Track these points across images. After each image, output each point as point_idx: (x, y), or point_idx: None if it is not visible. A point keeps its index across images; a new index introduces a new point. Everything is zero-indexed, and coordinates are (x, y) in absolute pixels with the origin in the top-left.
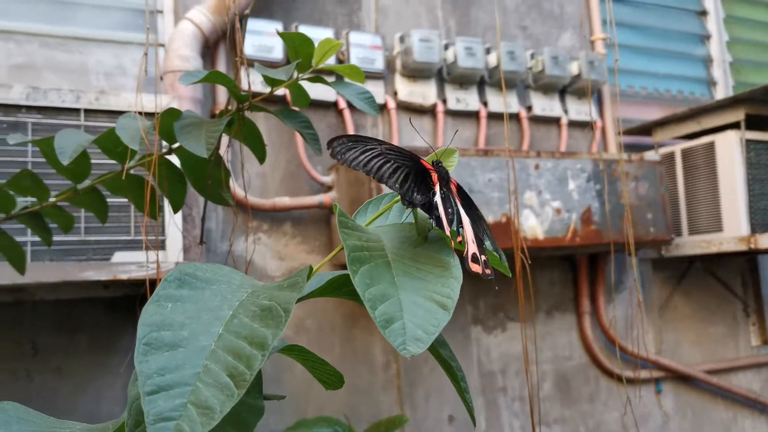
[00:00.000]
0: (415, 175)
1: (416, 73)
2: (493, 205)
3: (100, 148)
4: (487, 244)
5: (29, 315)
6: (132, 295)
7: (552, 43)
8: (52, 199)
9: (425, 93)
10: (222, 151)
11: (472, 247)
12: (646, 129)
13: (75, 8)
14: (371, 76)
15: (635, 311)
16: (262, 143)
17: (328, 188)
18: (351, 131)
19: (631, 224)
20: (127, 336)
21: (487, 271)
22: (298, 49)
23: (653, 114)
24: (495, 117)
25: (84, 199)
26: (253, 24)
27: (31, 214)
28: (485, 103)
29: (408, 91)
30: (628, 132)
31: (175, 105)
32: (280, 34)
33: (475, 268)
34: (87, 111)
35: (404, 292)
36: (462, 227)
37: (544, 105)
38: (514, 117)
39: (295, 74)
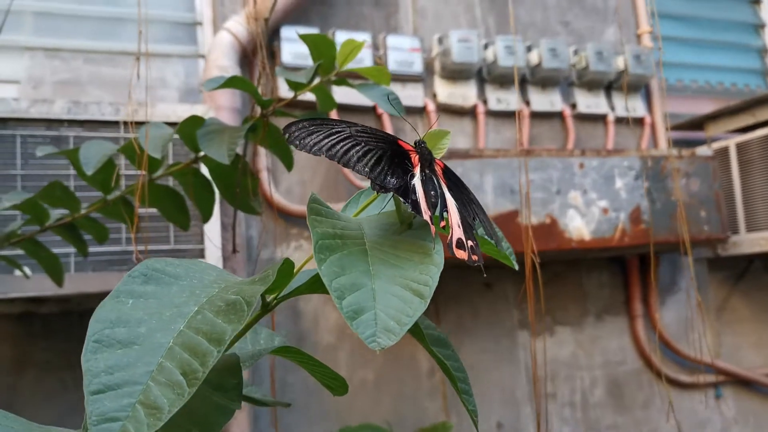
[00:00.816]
0: (391, 158)
1: (455, 74)
2: (536, 205)
3: (127, 158)
4: (481, 231)
5: (76, 325)
6: None
7: (596, 39)
8: (83, 212)
9: (465, 94)
10: (258, 158)
11: (457, 232)
12: (698, 123)
13: (120, 24)
14: (410, 78)
15: (693, 313)
16: (288, 150)
17: None
18: None
19: (684, 222)
20: None
21: (474, 258)
22: (320, 51)
23: (705, 108)
24: (538, 116)
25: (114, 210)
26: (290, 32)
27: (65, 226)
28: (527, 102)
29: (448, 92)
30: (678, 127)
31: (212, 114)
32: (301, 37)
33: (460, 254)
34: (126, 123)
35: (379, 281)
36: (446, 211)
37: (589, 102)
38: (558, 115)
39: (318, 77)
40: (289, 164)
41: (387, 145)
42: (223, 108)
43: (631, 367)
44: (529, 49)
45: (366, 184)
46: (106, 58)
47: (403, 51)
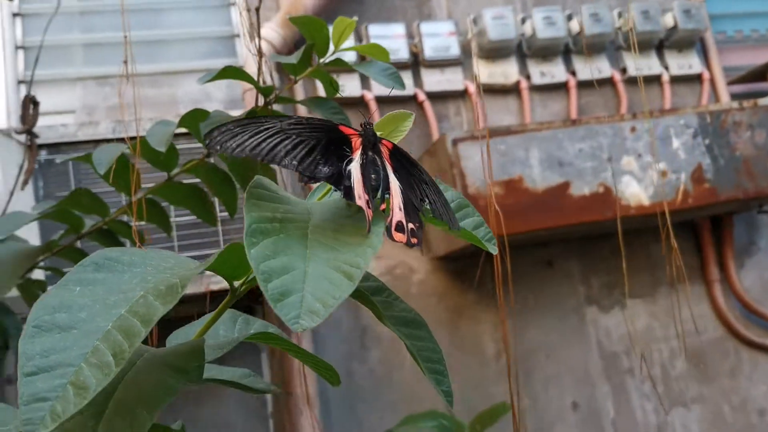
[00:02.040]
0: (325, 147)
1: (494, 52)
2: (586, 175)
3: (144, 158)
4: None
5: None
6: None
7: None
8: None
9: (506, 72)
10: None
11: (397, 215)
12: (760, 73)
13: (163, 46)
14: (448, 63)
15: None
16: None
17: None
18: (433, 123)
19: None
20: (238, 347)
21: (413, 240)
22: (311, 33)
23: None
24: (586, 85)
25: (141, 212)
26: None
27: (100, 231)
28: (573, 73)
29: (488, 72)
30: (740, 80)
31: None
32: (290, 20)
33: (398, 236)
34: None
35: (313, 264)
36: (389, 193)
37: (640, 64)
38: (608, 81)
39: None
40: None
41: (323, 134)
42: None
43: (713, 335)
44: (569, 17)
45: None
46: (150, 80)
47: (438, 36)
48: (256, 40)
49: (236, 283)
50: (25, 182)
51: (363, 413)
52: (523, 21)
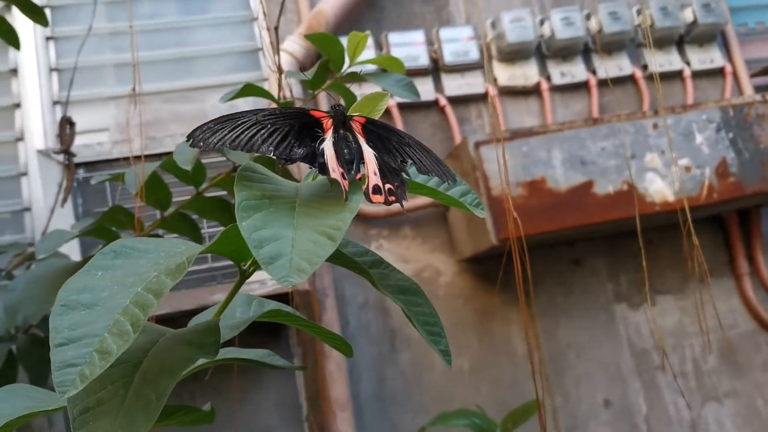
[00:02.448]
0: (298, 131)
1: (513, 55)
2: (610, 173)
3: (173, 175)
4: (414, 171)
5: None
6: None
7: None
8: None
9: (526, 73)
10: None
11: (372, 179)
12: None
13: (191, 62)
14: (468, 67)
15: None
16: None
17: None
18: (454, 126)
19: None
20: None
21: (391, 198)
22: (326, 48)
23: None
24: (607, 84)
25: (173, 225)
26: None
27: None
28: (593, 72)
29: (508, 75)
30: (763, 72)
31: None
32: (306, 37)
33: (376, 198)
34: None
35: (300, 231)
36: (363, 163)
37: (661, 61)
38: (629, 79)
39: (332, 74)
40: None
41: (295, 120)
42: None
43: (744, 329)
44: (588, 17)
45: None
46: (180, 96)
47: (458, 42)
48: (276, 57)
49: (244, 265)
50: (64, 200)
51: (395, 415)
52: (542, 22)
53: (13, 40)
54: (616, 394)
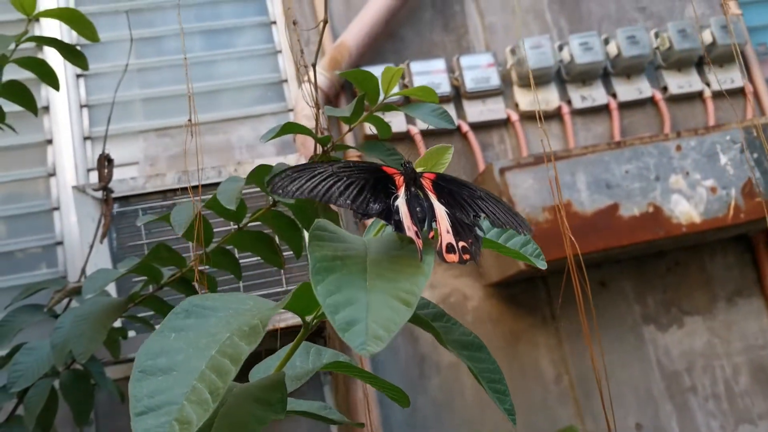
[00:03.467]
0: (374, 186)
1: (534, 80)
2: (635, 196)
3: (216, 213)
4: (487, 224)
5: None
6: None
7: (676, 17)
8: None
9: (547, 98)
10: None
11: (445, 238)
12: None
13: (217, 95)
14: (489, 94)
15: None
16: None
17: None
18: (477, 152)
19: None
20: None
21: (465, 257)
22: (362, 84)
23: None
24: (627, 106)
25: (215, 260)
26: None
27: (178, 281)
28: (614, 95)
29: (528, 100)
30: None
31: (303, 161)
32: (343, 74)
33: (450, 257)
34: None
35: (374, 295)
36: (435, 221)
37: (680, 82)
38: (650, 101)
39: (367, 107)
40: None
41: (369, 174)
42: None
43: None
44: (606, 41)
45: None
46: (208, 128)
47: (478, 69)
48: (312, 92)
49: (308, 318)
50: (104, 235)
51: None
52: (561, 48)
53: (52, 82)
54: (648, 417)
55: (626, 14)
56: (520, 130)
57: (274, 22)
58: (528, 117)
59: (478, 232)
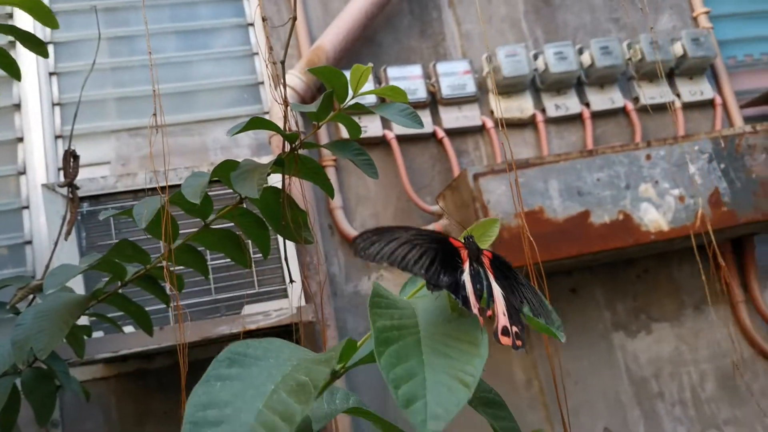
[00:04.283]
0: (443, 257)
1: (509, 88)
2: (606, 203)
3: (181, 208)
4: (527, 310)
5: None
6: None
7: (650, 29)
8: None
9: (522, 106)
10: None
11: (502, 320)
12: None
13: (193, 96)
14: (465, 100)
15: None
16: (326, 178)
17: (438, 216)
18: (453, 158)
19: None
20: None
21: (518, 343)
22: (330, 81)
23: None
24: (600, 116)
25: (180, 258)
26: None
27: (143, 278)
28: (587, 104)
29: (504, 107)
30: (752, 103)
31: None
32: (310, 71)
33: (505, 341)
34: None
35: (430, 371)
36: (493, 301)
37: (652, 93)
38: (621, 111)
39: (336, 106)
40: (330, 192)
41: (438, 245)
42: None
43: (741, 356)
44: (580, 51)
45: (435, 207)
46: (183, 129)
47: (454, 75)
48: (281, 90)
49: (337, 367)
50: (68, 233)
51: None
52: (536, 57)
53: (14, 72)
54: (617, 422)
55: (600, 25)
56: (494, 138)
57: (252, 24)
58: (503, 124)
59: (523, 319)
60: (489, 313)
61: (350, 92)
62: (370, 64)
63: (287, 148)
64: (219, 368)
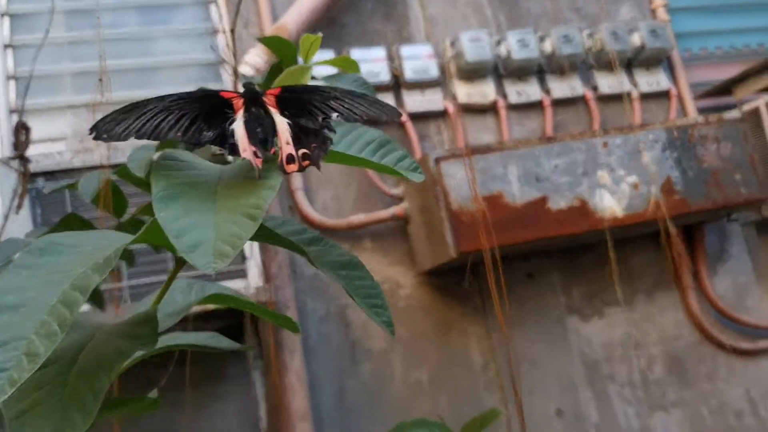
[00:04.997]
0: (208, 113)
1: (471, 73)
2: (563, 190)
3: (129, 182)
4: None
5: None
6: (234, 325)
7: (610, 20)
8: None
9: (484, 92)
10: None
11: (285, 150)
12: (725, 88)
13: (153, 72)
14: (428, 84)
15: (749, 278)
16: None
17: (399, 199)
18: (415, 142)
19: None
20: (231, 364)
21: (305, 164)
22: (281, 51)
23: (736, 73)
24: (560, 104)
25: (129, 231)
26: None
27: None
28: (548, 92)
29: (466, 92)
30: (706, 95)
31: None
32: (261, 40)
33: (290, 168)
34: None
35: (221, 214)
36: (276, 137)
37: (610, 83)
38: (581, 99)
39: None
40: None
41: (205, 102)
42: None
43: (689, 340)
44: (542, 39)
45: (397, 191)
46: None
47: (418, 59)
48: (233, 59)
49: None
50: (19, 206)
51: (355, 426)
52: (498, 43)
53: None
54: (569, 403)
55: (562, 14)
56: (457, 122)
57: (213, 1)
58: (465, 109)
59: (327, 134)
60: (272, 150)
61: (300, 62)
62: (320, 34)
63: None
64: (28, 258)
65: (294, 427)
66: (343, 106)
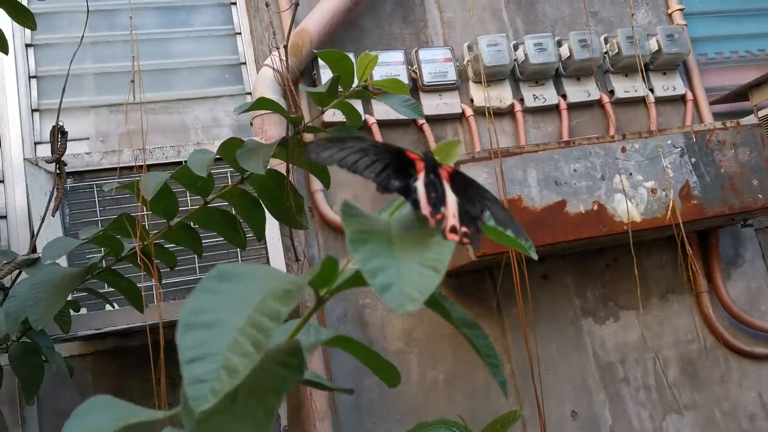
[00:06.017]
0: (396, 166)
1: (489, 77)
2: (582, 194)
3: (182, 184)
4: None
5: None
6: None
7: (626, 24)
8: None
9: (501, 95)
10: (313, 180)
11: (450, 221)
12: (742, 94)
13: (173, 74)
14: (446, 88)
15: (763, 283)
16: (324, 167)
17: None
18: (432, 145)
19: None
20: None
21: (465, 241)
22: (336, 66)
23: (751, 78)
24: (576, 107)
25: (177, 235)
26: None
27: (137, 255)
28: (564, 96)
29: (483, 96)
30: (722, 100)
31: None
32: (319, 53)
33: (451, 236)
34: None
35: (402, 263)
36: (444, 205)
37: (626, 87)
38: (597, 103)
39: (341, 92)
40: (326, 182)
41: (394, 156)
42: (272, 138)
43: (702, 343)
44: (559, 43)
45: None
46: (163, 107)
47: (435, 63)
48: (284, 71)
49: (321, 292)
50: (56, 208)
51: (373, 425)
52: (516, 47)
53: (2, 46)
54: (583, 405)
55: (579, 18)
56: (473, 125)
57: (234, 3)
58: (482, 112)
59: (481, 224)
60: (438, 216)
61: (355, 80)
62: (377, 53)
63: (289, 130)
64: (209, 283)
65: (314, 425)
66: (492, 207)
